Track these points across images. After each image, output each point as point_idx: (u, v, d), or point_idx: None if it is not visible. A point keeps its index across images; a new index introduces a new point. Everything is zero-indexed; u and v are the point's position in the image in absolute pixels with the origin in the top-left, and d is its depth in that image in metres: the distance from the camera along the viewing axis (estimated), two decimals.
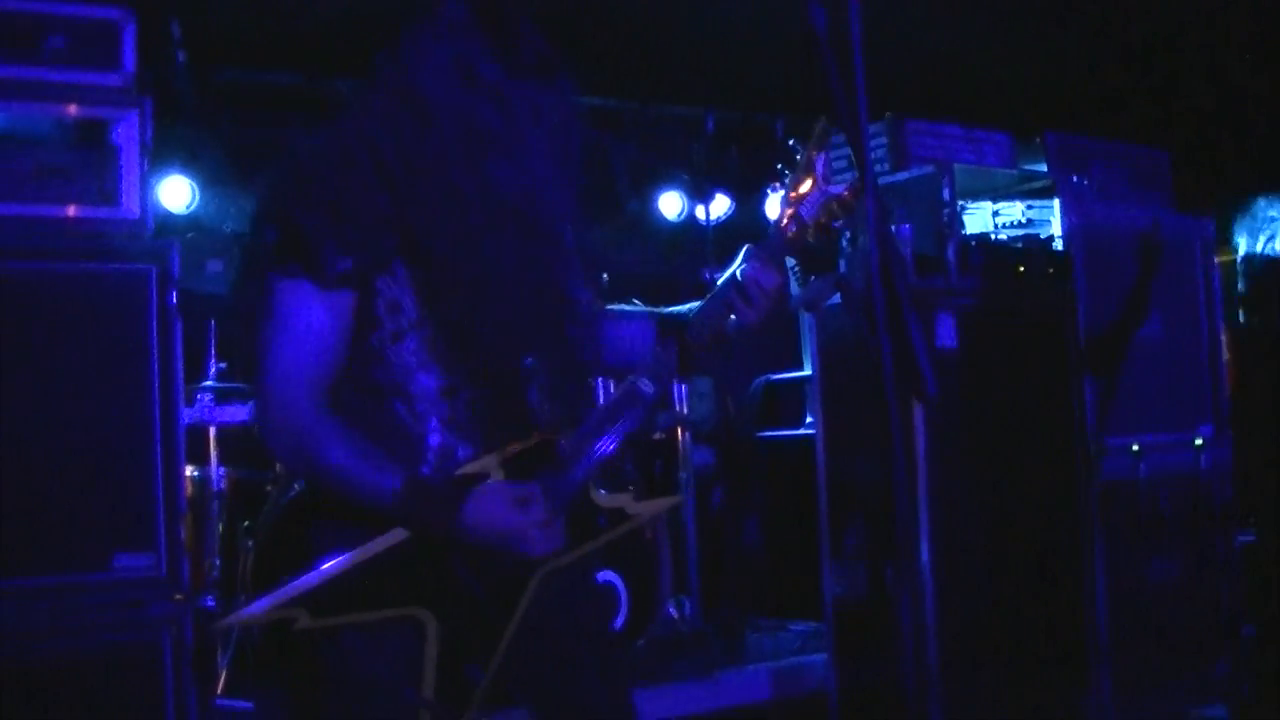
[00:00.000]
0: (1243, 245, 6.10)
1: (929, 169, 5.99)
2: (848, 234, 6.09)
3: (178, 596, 4.29)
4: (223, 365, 6.61)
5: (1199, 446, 6.49)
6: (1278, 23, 7.80)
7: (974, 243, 6.02)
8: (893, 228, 5.74)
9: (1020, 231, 6.31)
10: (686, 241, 9.25)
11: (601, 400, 5.24)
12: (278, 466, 6.38)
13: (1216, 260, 6.74)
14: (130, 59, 4.40)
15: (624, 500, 3.13)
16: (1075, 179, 6.47)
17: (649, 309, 3.31)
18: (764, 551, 8.45)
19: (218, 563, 6.20)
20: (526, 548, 2.89)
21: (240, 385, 6.54)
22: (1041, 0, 7.63)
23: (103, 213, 4.32)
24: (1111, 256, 6.31)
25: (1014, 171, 6.49)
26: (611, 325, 3.28)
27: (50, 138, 4.36)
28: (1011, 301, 6.02)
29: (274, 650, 5.76)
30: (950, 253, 5.83)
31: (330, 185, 2.84)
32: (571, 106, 2.97)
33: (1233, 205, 6.24)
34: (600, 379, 6.01)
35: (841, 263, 6.08)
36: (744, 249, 3.06)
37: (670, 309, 3.19)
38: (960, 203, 6.00)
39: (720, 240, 7.77)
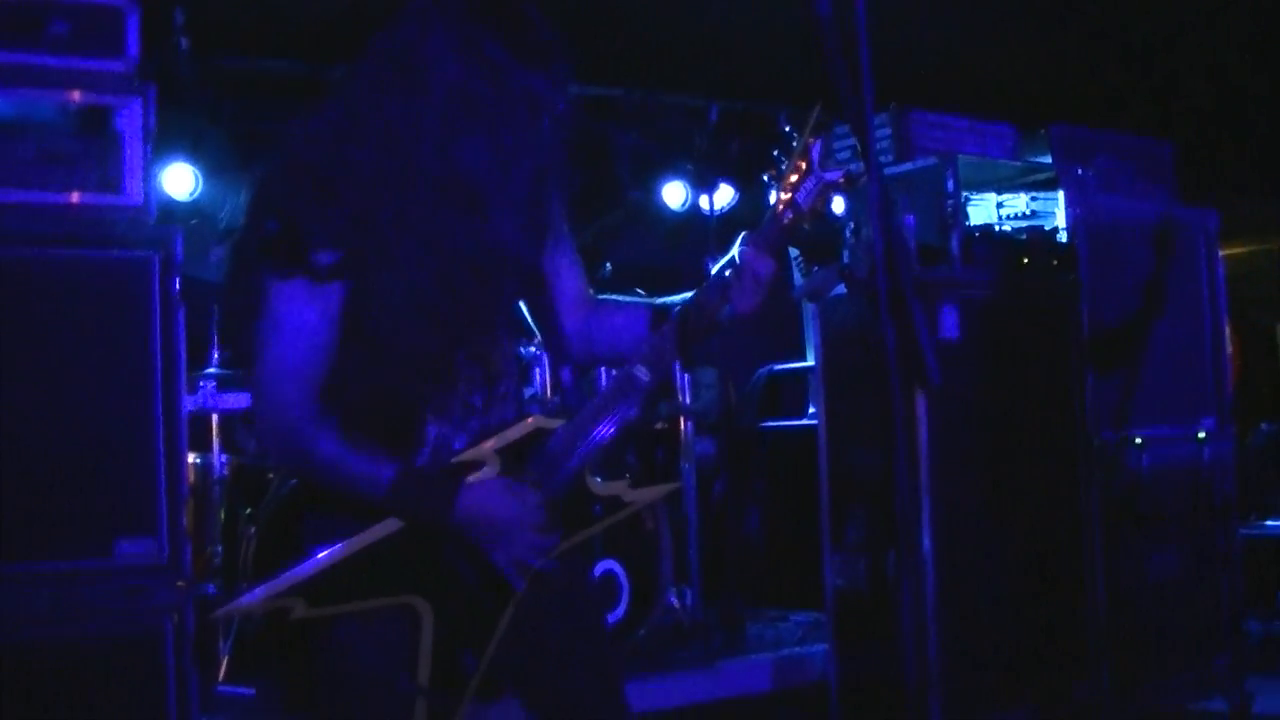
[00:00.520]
0: None
1: (933, 160, 5.99)
2: (851, 225, 6.09)
3: (179, 583, 4.29)
4: (225, 352, 6.61)
5: (1201, 440, 6.48)
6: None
7: (978, 234, 6.02)
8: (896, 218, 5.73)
9: (1024, 223, 6.30)
10: (690, 231, 9.25)
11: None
12: None
13: (1220, 253, 6.73)
14: (134, 46, 4.40)
15: (620, 488, 3.12)
16: (1079, 171, 6.46)
17: (643, 299, 3.31)
18: (765, 542, 8.45)
19: (219, 550, 6.21)
20: (507, 560, 2.93)
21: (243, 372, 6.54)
22: None
23: (106, 199, 4.32)
24: (1116, 248, 6.31)
25: (1018, 163, 6.48)
26: (604, 315, 3.27)
27: (53, 124, 4.35)
28: (1015, 293, 6.01)
29: (274, 638, 5.78)
30: (954, 244, 5.84)
31: (315, 171, 2.83)
32: (567, 97, 2.97)
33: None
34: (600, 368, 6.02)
35: (845, 253, 6.09)
36: (740, 236, 3.05)
37: (665, 299, 3.19)
38: (964, 194, 6.00)
39: (723, 230, 7.76)
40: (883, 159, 6.08)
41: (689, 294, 3.09)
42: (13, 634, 4.07)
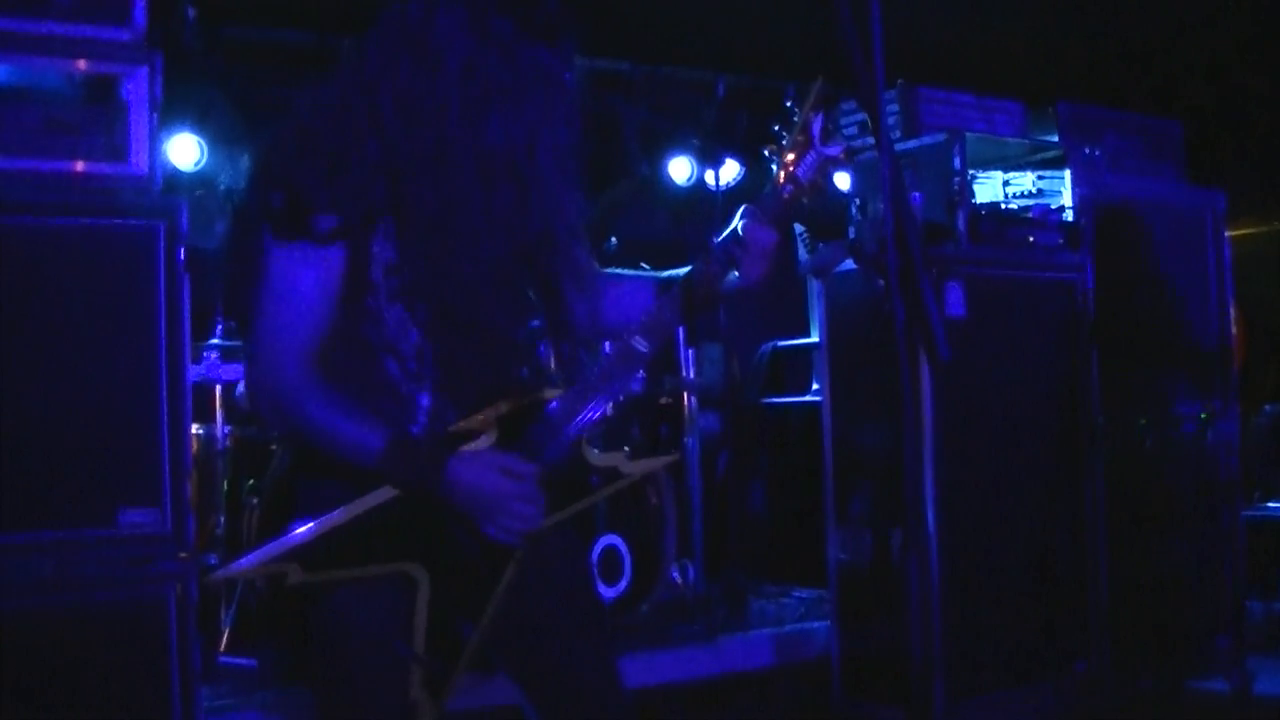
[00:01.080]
0: None
1: (940, 137, 5.98)
2: (857, 201, 6.08)
3: (182, 554, 4.29)
4: (230, 323, 6.60)
5: (1205, 421, 6.48)
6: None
7: (984, 212, 6.01)
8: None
9: (1030, 201, 6.30)
10: (696, 207, 9.23)
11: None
12: None
13: (1227, 234, 6.72)
14: (141, 14, 4.37)
15: (617, 459, 3.13)
16: (1087, 150, 6.45)
17: (648, 274, 3.32)
18: (768, 518, 8.46)
19: (222, 520, 6.20)
20: (497, 531, 2.93)
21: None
22: None
23: (111, 168, 4.30)
24: (1122, 227, 6.30)
25: (1025, 141, 6.47)
26: (610, 287, 3.28)
27: (59, 92, 4.34)
28: (1021, 271, 6.01)
29: (274, 607, 5.79)
30: (960, 221, 5.83)
31: (322, 139, 2.85)
32: (574, 70, 2.98)
33: None
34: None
35: (851, 229, 6.08)
36: (742, 208, 3.06)
37: (669, 272, 3.20)
38: (971, 172, 5.99)
39: (729, 206, 7.72)
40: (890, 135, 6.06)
41: (691, 268, 3.10)
42: (16, 602, 4.07)
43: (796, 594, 7.56)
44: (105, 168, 4.29)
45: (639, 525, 6.67)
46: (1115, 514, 6.13)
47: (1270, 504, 7.91)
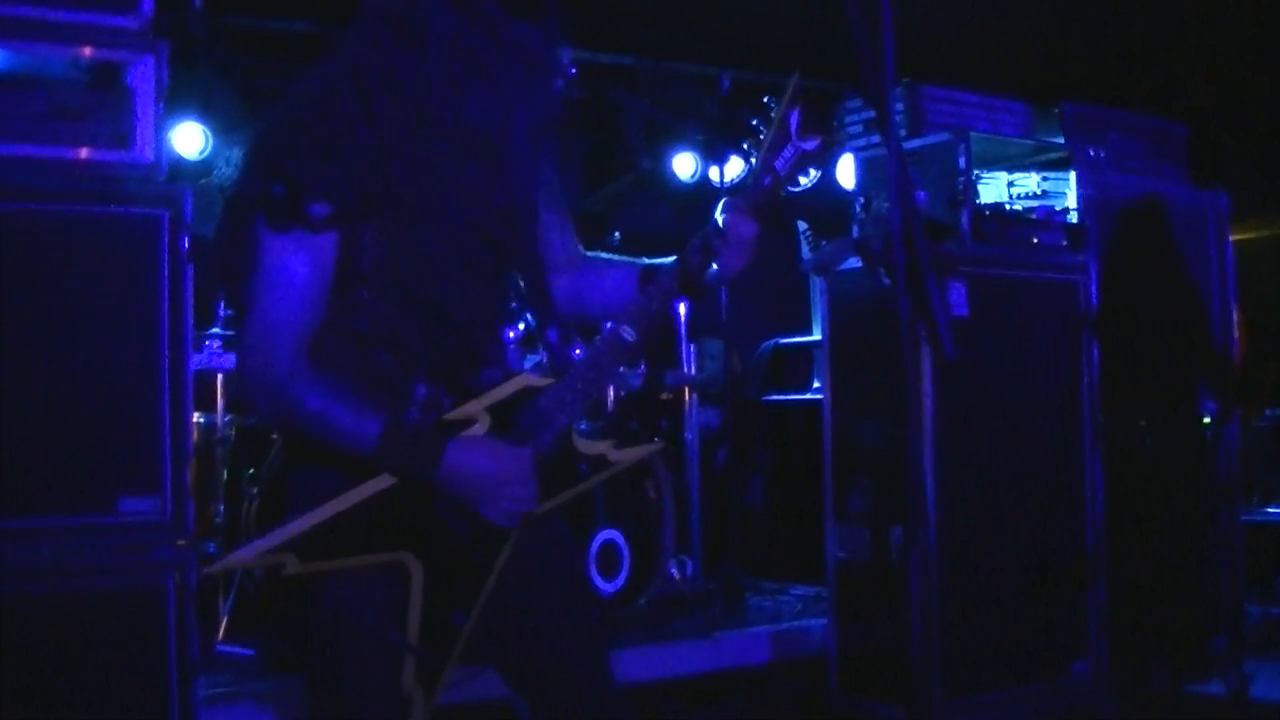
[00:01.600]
0: None
1: (945, 136, 5.98)
2: (861, 199, 6.08)
3: (181, 542, 4.29)
4: (231, 312, 6.60)
5: (1206, 424, 6.48)
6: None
7: (988, 212, 6.01)
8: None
9: (1035, 202, 6.29)
10: (699, 202, 9.23)
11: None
12: None
13: (1230, 236, 6.72)
14: (148, 2, 4.37)
15: (605, 447, 3.15)
16: (1091, 151, 6.44)
17: (630, 259, 3.34)
18: (767, 514, 8.47)
19: (221, 509, 6.21)
20: (494, 514, 2.95)
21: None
22: None
23: (116, 156, 4.29)
24: (1126, 229, 6.30)
25: (1030, 141, 6.47)
26: (594, 274, 3.31)
27: (65, 79, 4.33)
28: (1024, 271, 6.01)
29: (272, 596, 5.79)
30: (964, 221, 5.83)
31: (312, 126, 2.86)
32: (557, 50, 2.99)
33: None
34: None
35: (854, 227, 6.09)
36: (722, 200, 3.10)
37: (652, 260, 3.22)
38: (975, 171, 5.99)
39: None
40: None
41: (674, 258, 3.13)
42: (14, 588, 4.06)
43: (794, 591, 7.57)
44: (110, 155, 4.28)
45: (638, 520, 6.67)
46: (1115, 515, 6.13)
47: (1270, 508, 7.91)
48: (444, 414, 2.97)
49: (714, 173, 8.44)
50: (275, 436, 6.27)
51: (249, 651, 5.73)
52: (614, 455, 3.16)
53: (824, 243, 6.89)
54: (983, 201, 6.10)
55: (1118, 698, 6.12)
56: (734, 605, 7.18)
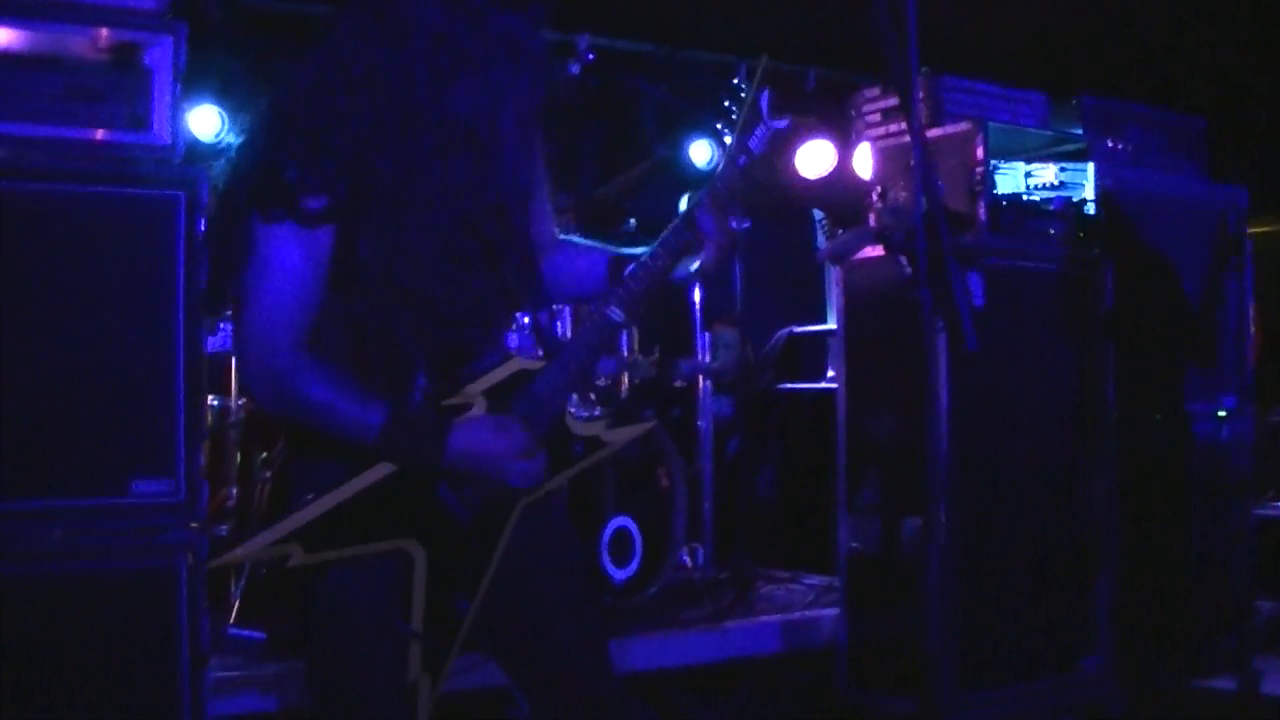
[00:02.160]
0: None
1: (963, 126, 5.96)
2: (878, 188, 6.07)
3: (194, 524, 4.29)
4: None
5: (1221, 419, 6.46)
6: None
7: (1005, 203, 5.99)
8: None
9: (1052, 194, 6.27)
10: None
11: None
12: None
13: (1249, 231, 6.70)
14: None
15: (598, 428, 3.20)
16: (1109, 143, 6.42)
17: (602, 246, 3.36)
18: (779, 503, 8.45)
19: (234, 492, 6.21)
20: (511, 480, 2.97)
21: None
22: None
23: (133, 137, 4.28)
24: (1143, 221, 6.28)
25: (1048, 132, 6.45)
26: (568, 257, 3.35)
27: (82, 60, 4.32)
28: (1040, 263, 6.00)
29: (283, 580, 5.79)
30: (981, 211, 5.82)
31: (304, 120, 2.87)
32: (542, 38, 3.00)
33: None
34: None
35: (870, 216, 6.07)
36: (693, 194, 3.14)
37: (627, 249, 3.25)
38: (993, 162, 5.97)
39: (738, 195, 7.69)
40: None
41: (648, 249, 3.16)
42: (27, 567, 4.07)
43: (805, 580, 7.55)
44: (127, 136, 4.27)
45: (650, 507, 6.66)
46: (1125, 510, 6.12)
47: None
48: (443, 401, 2.98)
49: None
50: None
51: (260, 635, 5.73)
52: (608, 436, 3.21)
53: (840, 232, 6.86)
54: (1000, 192, 6.08)
55: (1126, 692, 6.11)
56: (744, 594, 7.17)
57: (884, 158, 6.23)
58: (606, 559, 6.41)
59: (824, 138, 8.21)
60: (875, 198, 6.08)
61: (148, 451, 4.23)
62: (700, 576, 7.09)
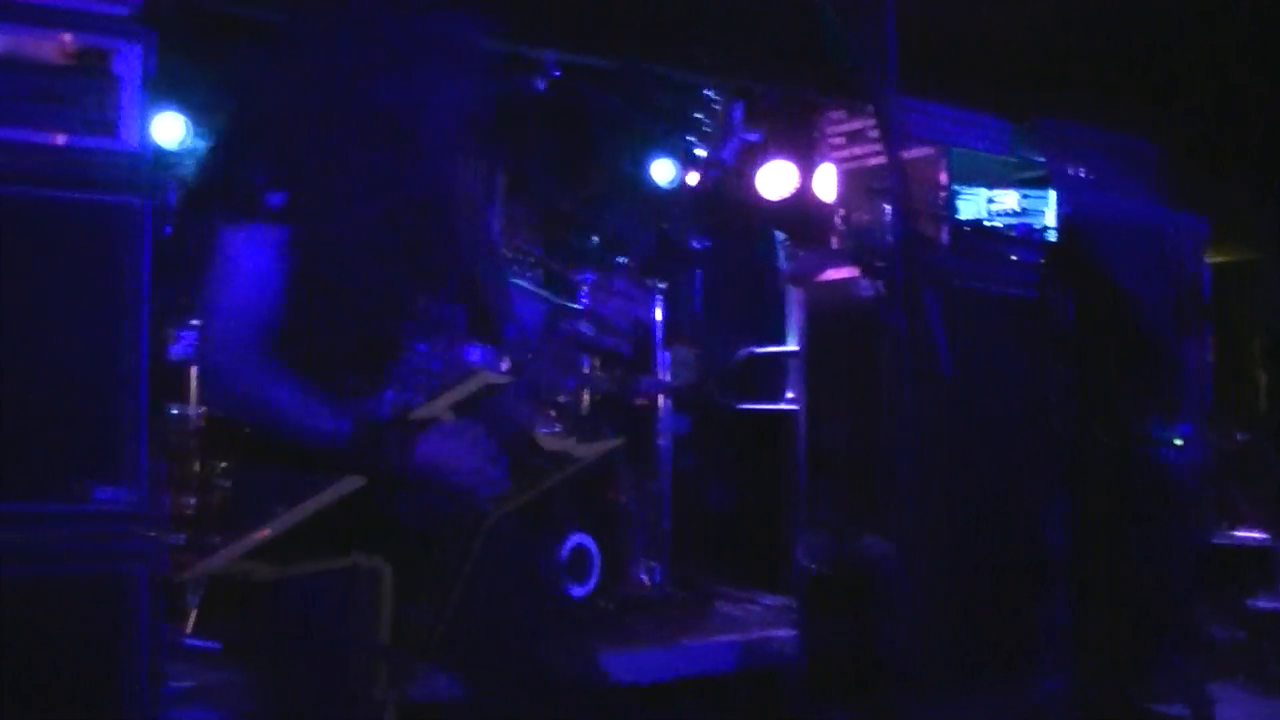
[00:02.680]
0: None
1: (927, 150, 5.98)
2: (841, 210, 6.09)
3: (153, 533, 4.27)
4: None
5: (1178, 446, 6.50)
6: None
7: (967, 228, 6.02)
8: (887, 207, 5.75)
9: (1014, 219, 6.30)
10: (676, 208, 9.21)
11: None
12: None
13: (1208, 260, 6.75)
14: None
15: (568, 443, 3.23)
16: (1070, 169, 6.46)
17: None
18: (735, 522, 8.46)
19: (193, 501, 6.18)
20: (480, 489, 2.97)
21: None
22: None
23: (100, 143, 4.26)
24: (1103, 248, 6.32)
25: (1011, 158, 6.48)
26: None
27: (48, 64, 4.30)
28: (1000, 287, 6.02)
29: (240, 596, 5.75)
30: (944, 235, 5.84)
31: (263, 119, 2.92)
32: (482, 45, 3.02)
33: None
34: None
35: (833, 238, 6.09)
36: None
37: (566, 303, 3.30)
38: (954, 187, 5.99)
39: (710, 208, 7.70)
40: (876, 147, 6.07)
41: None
42: None
43: (762, 600, 7.56)
44: (95, 141, 4.25)
45: (607, 525, 6.66)
46: (1081, 532, 6.14)
47: (1237, 532, 7.94)
48: (410, 412, 2.98)
49: (692, 179, 8.45)
50: (247, 430, 6.24)
51: (217, 645, 5.70)
52: (577, 451, 3.23)
53: (801, 253, 6.89)
54: (962, 217, 6.10)
55: (1082, 714, 6.13)
56: (701, 612, 7.17)
57: (848, 180, 6.24)
58: (565, 576, 6.41)
59: (785, 158, 8.22)
60: (839, 220, 6.10)
61: (109, 459, 4.19)
62: (657, 594, 7.08)
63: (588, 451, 3.24)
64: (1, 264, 4.09)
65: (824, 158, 6.64)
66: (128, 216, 4.24)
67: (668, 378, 7.65)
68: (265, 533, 2.82)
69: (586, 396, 7.13)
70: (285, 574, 2.86)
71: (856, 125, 6.32)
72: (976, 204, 6.30)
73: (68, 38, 4.26)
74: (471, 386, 3.04)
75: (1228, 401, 7.43)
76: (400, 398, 3.00)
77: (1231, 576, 7.42)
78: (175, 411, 6.26)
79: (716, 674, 6.49)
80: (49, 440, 4.12)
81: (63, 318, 4.15)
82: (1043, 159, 6.43)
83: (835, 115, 6.48)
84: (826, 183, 6.54)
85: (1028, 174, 6.48)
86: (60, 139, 4.21)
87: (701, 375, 8.26)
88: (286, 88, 2.90)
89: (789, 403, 7.68)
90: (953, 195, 5.95)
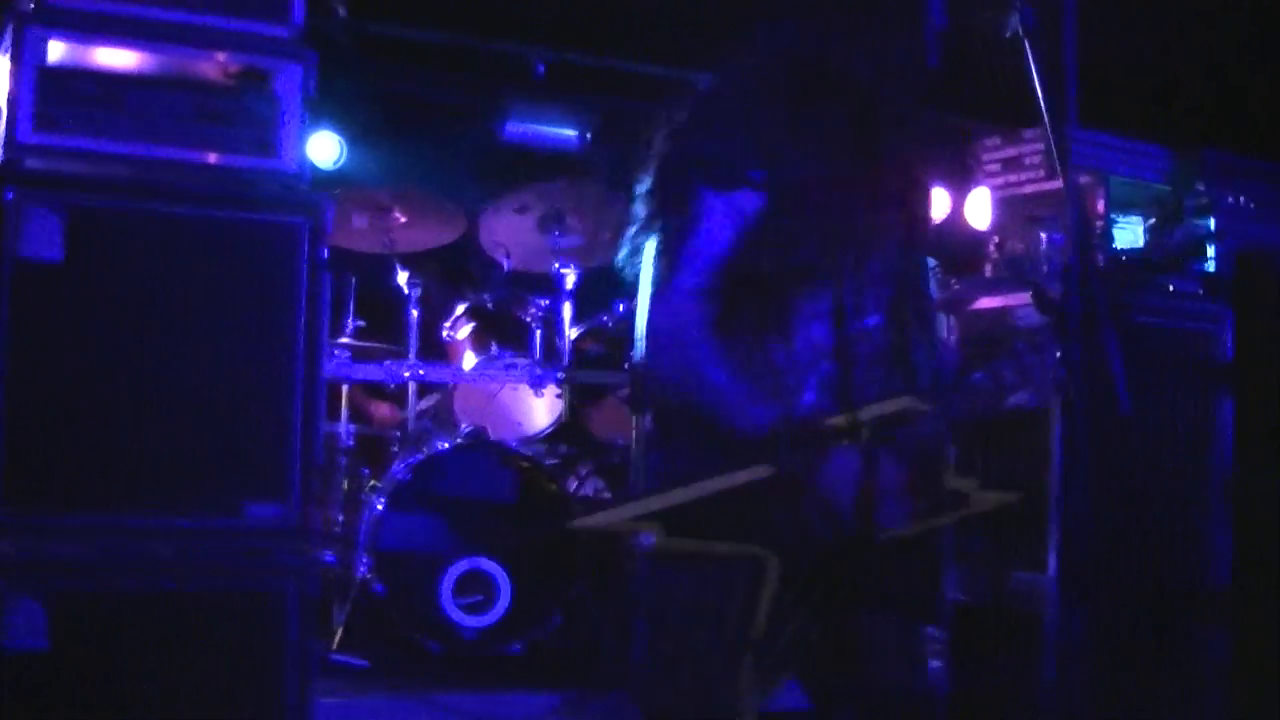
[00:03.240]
0: None
1: (1084, 178, 5.89)
2: (995, 238, 6.02)
3: (305, 548, 4.30)
4: (360, 322, 6.64)
5: None
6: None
7: (1124, 257, 5.91)
8: (1044, 236, 5.68)
9: None
10: None
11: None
12: (409, 426, 6.41)
13: None
14: (299, 11, 4.41)
15: (970, 485, 3.12)
16: (1231, 199, 6.33)
17: None
18: None
19: (340, 519, 6.24)
20: (878, 518, 2.91)
21: (376, 344, 6.57)
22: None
23: (260, 163, 4.33)
24: (1266, 279, 6.18)
25: (1170, 188, 6.36)
26: None
27: (211, 84, 4.37)
28: (1158, 319, 5.91)
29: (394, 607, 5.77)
30: (1100, 265, 5.75)
31: (740, 106, 3.01)
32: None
33: None
34: None
35: (986, 266, 6.02)
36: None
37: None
38: (1113, 215, 5.90)
39: None
40: (1033, 174, 6.00)
41: None
42: (137, 585, 4.10)
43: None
44: (255, 161, 4.32)
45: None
46: (1243, 569, 6.00)
47: None
48: (828, 420, 2.97)
49: None
50: (395, 449, 6.27)
51: (363, 663, 5.73)
52: (976, 496, 3.13)
53: (954, 282, 6.80)
54: (1119, 246, 6.00)
55: None
56: None
57: (1002, 208, 6.17)
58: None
59: (937, 183, 8.14)
60: (993, 247, 6.03)
61: (263, 475, 4.26)
62: None
63: (984, 501, 3.14)
64: (164, 282, 4.15)
65: (978, 183, 6.55)
66: (287, 236, 4.30)
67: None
68: (671, 498, 2.83)
69: None
70: (679, 549, 2.86)
71: (1012, 152, 6.24)
72: (1135, 233, 6.21)
73: (229, 58, 4.32)
74: (893, 406, 3.00)
75: None
76: (818, 403, 3.01)
77: None
78: (326, 429, 6.32)
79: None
80: (205, 455, 4.19)
81: (222, 335, 4.21)
82: (1203, 188, 6.30)
83: (990, 141, 6.40)
84: (980, 209, 6.45)
85: (1188, 203, 6.36)
86: (223, 159, 4.27)
87: None
88: (761, 71, 3.02)
89: None
90: (1109, 223, 5.85)
